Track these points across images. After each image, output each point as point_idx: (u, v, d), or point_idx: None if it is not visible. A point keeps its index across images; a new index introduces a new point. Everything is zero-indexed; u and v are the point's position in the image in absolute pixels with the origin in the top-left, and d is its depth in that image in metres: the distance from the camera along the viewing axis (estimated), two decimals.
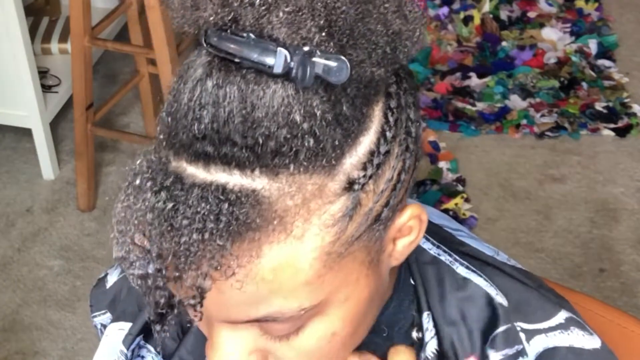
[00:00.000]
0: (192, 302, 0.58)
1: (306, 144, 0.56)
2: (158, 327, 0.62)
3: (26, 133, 2.43)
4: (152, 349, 0.82)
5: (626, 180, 2.38)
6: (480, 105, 2.61)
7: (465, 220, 2.24)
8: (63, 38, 2.58)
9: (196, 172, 0.57)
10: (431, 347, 0.74)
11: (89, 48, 2.11)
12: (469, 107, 2.61)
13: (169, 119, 0.59)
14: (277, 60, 0.55)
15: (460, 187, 2.35)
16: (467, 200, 2.32)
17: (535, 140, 2.52)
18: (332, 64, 0.56)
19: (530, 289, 0.76)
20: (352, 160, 0.59)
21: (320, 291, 0.61)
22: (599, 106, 2.60)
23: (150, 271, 0.58)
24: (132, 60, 2.55)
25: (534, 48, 2.80)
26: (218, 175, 0.57)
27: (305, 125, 0.56)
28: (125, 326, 0.83)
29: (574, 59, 2.76)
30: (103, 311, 0.88)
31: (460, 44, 2.84)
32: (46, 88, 2.41)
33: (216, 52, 0.57)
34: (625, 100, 2.62)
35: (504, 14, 2.94)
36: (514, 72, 2.72)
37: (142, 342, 0.82)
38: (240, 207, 0.56)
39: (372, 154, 0.60)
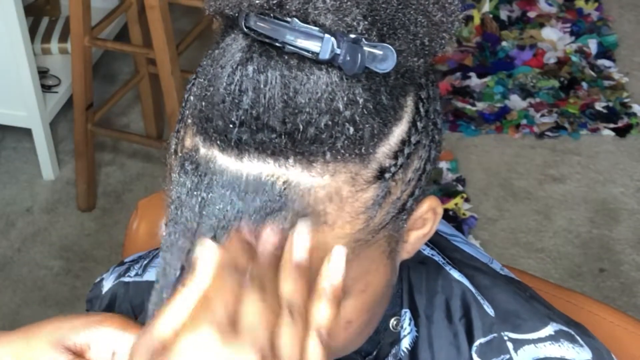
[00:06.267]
0: None
1: (346, 132, 0.56)
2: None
3: (26, 133, 2.42)
4: None
5: (626, 180, 2.38)
6: (480, 105, 2.61)
7: (465, 220, 2.24)
8: (63, 38, 2.58)
9: (228, 160, 0.57)
10: (405, 343, 0.74)
11: (89, 48, 2.10)
12: (468, 107, 2.61)
13: (203, 103, 0.58)
14: (323, 46, 0.54)
15: (460, 187, 2.35)
16: (467, 200, 2.31)
17: (535, 140, 2.52)
18: (379, 52, 0.56)
19: (520, 299, 0.75)
20: (385, 149, 0.59)
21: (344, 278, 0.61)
22: (599, 106, 2.59)
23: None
24: (132, 60, 2.54)
25: (534, 48, 2.79)
26: (251, 164, 0.56)
27: (347, 113, 0.56)
28: None
29: (574, 59, 2.76)
30: None
31: (460, 43, 2.83)
32: (46, 88, 2.41)
33: (256, 36, 0.56)
34: (625, 100, 2.62)
35: (503, 14, 2.94)
36: (513, 72, 2.72)
37: None
38: (273, 195, 0.56)
39: (403, 143, 0.60)
